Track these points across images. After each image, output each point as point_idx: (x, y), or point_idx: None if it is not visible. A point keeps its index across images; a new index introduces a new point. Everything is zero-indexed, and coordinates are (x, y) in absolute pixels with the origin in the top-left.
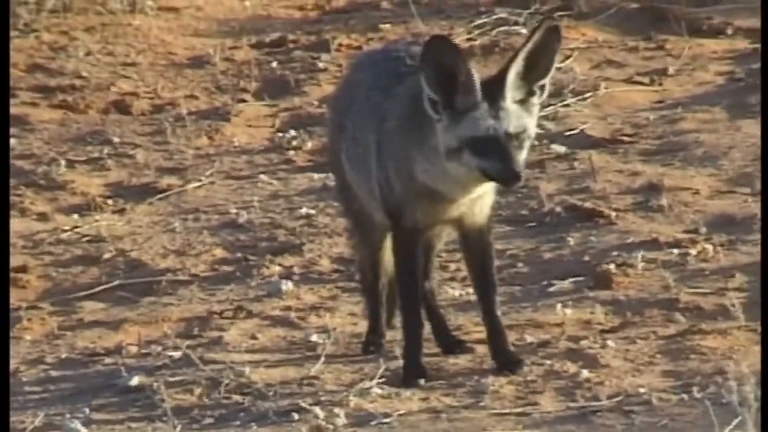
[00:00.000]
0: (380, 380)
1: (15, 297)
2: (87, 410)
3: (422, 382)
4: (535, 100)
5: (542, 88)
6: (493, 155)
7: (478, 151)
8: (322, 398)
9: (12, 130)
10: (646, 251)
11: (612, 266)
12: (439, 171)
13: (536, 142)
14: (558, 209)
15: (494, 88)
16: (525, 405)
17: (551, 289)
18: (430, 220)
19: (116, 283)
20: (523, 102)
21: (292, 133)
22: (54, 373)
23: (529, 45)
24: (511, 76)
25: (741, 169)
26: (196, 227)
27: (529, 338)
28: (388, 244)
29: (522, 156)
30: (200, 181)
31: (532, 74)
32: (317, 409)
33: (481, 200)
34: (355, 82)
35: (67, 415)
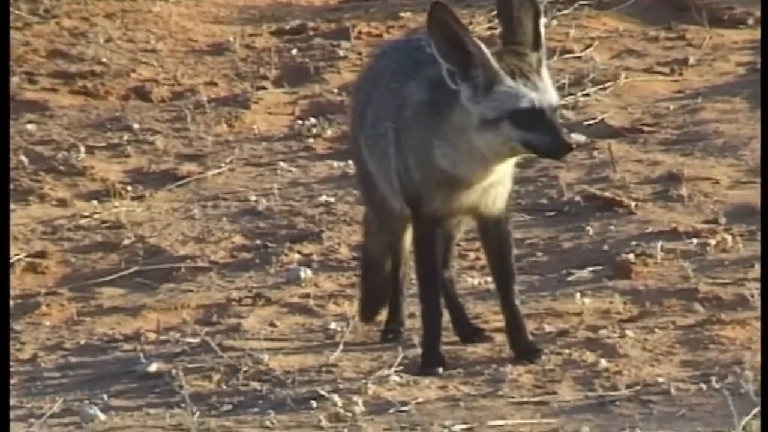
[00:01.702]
0: (398, 368)
1: (34, 283)
2: (105, 396)
3: (440, 370)
4: (545, 71)
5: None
6: (539, 128)
7: (520, 123)
8: (341, 386)
9: (31, 116)
10: (665, 241)
11: (631, 256)
12: (460, 152)
13: None
14: (577, 198)
15: (525, 59)
16: (543, 394)
17: (570, 278)
18: (449, 208)
19: (135, 269)
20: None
21: (312, 120)
22: (73, 359)
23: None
24: (542, 47)
25: (761, 159)
26: (216, 214)
27: (547, 327)
28: (408, 233)
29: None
30: (220, 168)
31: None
32: (335, 397)
33: (496, 188)
34: (376, 71)
35: (86, 401)
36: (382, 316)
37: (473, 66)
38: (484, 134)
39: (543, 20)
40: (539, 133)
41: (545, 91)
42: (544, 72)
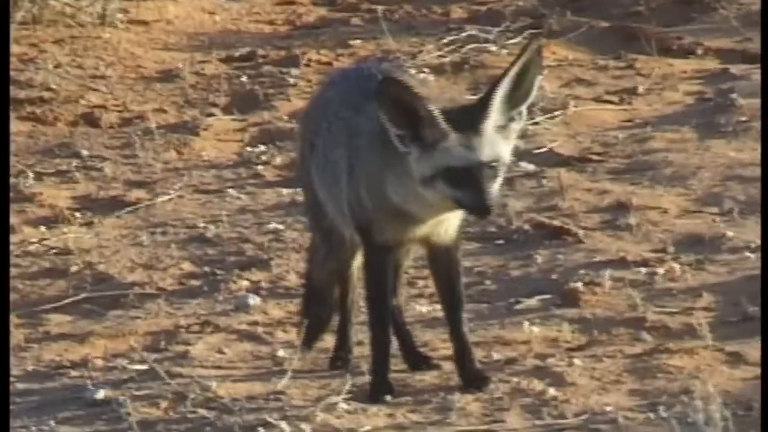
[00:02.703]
0: (347, 396)
1: None
2: (53, 423)
3: (389, 398)
4: (515, 126)
5: (521, 114)
6: (466, 185)
7: (451, 180)
8: (289, 413)
9: None
10: (613, 270)
11: (579, 284)
12: (411, 193)
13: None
14: (526, 227)
15: (471, 116)
16: (491, 422)
17: (518, 306)
18: (400, 237)
19: (83, 296)
20: (502, 128)
21: (261, 147)
22: (20, 386)
23: (516, 67)
24: (497, 101)
25: (709, 188)
26: (164, 241)
27: (495, 355)
28: (356, 260)
29: (496, 185)
30: (168, 194)
31: (512, 99)
32: (283, 424)
33: (449, 220)
34: (326, 99)
35: (33, 428)
36: (328, 342)
37: (422, 128)
38: (424, 189)
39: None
40: (466, 192)
41: (477, 149)
42: (514, 126)
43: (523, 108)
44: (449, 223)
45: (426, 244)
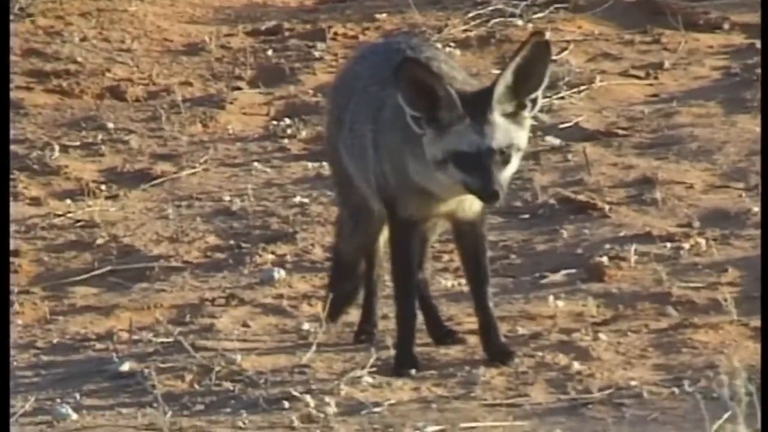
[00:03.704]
0: (371, 369)
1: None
2: (77, 395)
3: (413, 372)
4: (527, 113)
5: (534, 101)
6: (475, 171)
7: (461, 164)
8: (313, 387)
9: None
10: (639, 244)
11: (605, 259)
12: (429, 174)
13: (531, 134)
14: (552, 201)
15: (480, 102)
16: (516, 396)
17: (544, 281)
18: (425, 213)
19: (108, 268)
20: (513, 115)
21: (287, 121)
22: (45, 358)
23: (517, 60)
24: (499, 90)
25: (735, 163)
26: (190, 214)
27: (520, 330)
28: (384, 235)
29: (506, 172)
30: (194, 168)
31: (522, 87)
32: (308, 398)
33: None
34: (355, 73)
35: (58, 400)
36: (353, 316)
37: (439, 109)
38: (437, 172)
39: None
40: (475, 177)
41: (487, 135)
42: (526, 113)
43: (535, 96)
44: (474, 199)
45: (451, 219)
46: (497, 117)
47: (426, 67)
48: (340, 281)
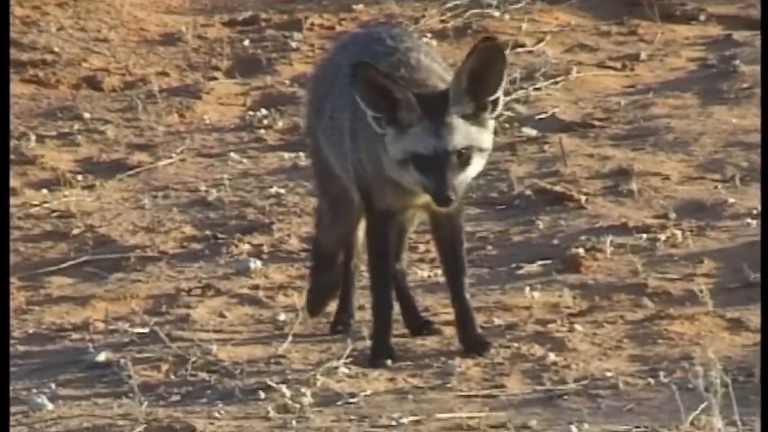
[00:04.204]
0: (347, 360)
1: None
2: (53, 385)
3: (389, 362)
4: (488, 115)
5: (494, 102)
6: (431, 173)
7: (419, 166)
8: (289, 377)
9: None
10: (615, 236)
11: (581, 250)
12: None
13: (507, 125)
14: (528, 192)
15: (437, 104)
16: (492, 387)
17: (520, 271)
18: (401, 204)
19: (84, 258)
20: (473, 116)
21: (263, 111)
22: (21, 348)
23: (468, 65)
24: (452, 94)
25: (711, 155)
26: (166, 204)
27: (496, 321)
28: (362, 225)
29: (465, 174)
30: (170, 158)
31: (480, 90)
32: (284, 388)
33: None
34: (336, 63)
35: (34, 390)
36: (330, 307)
37: (399, 110)
38: (400, 171)
39: (507, 71)
40: (430, 179)
41: (443, 137)
42: (487, 114)
43: (495, 98)
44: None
45: (428, 211)
46: (455, 119)
47: (379, 70)
48: (320, 273)
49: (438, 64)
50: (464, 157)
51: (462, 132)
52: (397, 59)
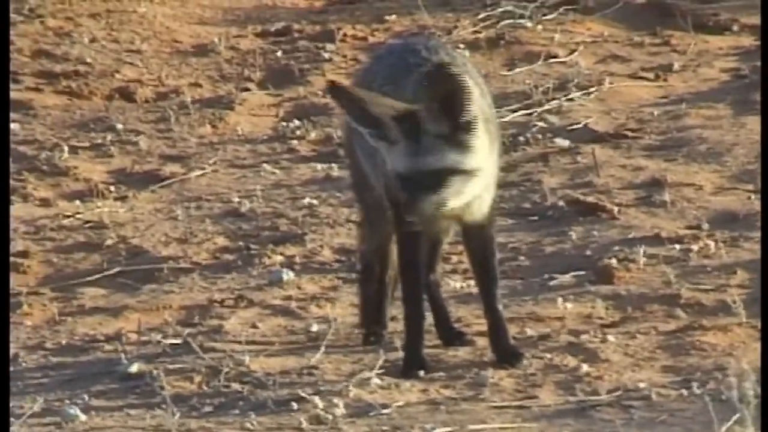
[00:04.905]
0: (380, 371)
1: (16, 282)
2: (86, 396)
3: (422, 373)
4: (465, 135)
5: (467, 123)
6: (405, 191)
7: (399, 183)
8: (322, 388)
9: (15, 116)
10: (648, 246)
11: (614, 261)
12: None
13: (540, 136)
14: (561, 203)
15: (413, 124)
16: (524, 398)
17: (552, 282)
18: (429, 215)
19: (117, 269)
20: (450, 137)
21: (296, 122)
22: (54, 359)
23: (429, 89)
24: (425, 114)
25: (744, 165)
26: (199, 215)
27: (529, 331)
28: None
29: (439, 195)
30: (203, 169)
31: (452, 111)
32: (316, 399)
33: (478, 199)
34: (373, 73)
35: (66, 401)
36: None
37: (384, 127)
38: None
39: (468, 95)
40: (404, 197)
41: (415, 158)
42: (463, 135)
43: (465, 120)
44: (481, 202)
45: (459, 221)
46: (431, 139)
47: (350, 90)
48: (364, 284)
49: (473, 78)
50: (438, 179)
51: (437, 153)
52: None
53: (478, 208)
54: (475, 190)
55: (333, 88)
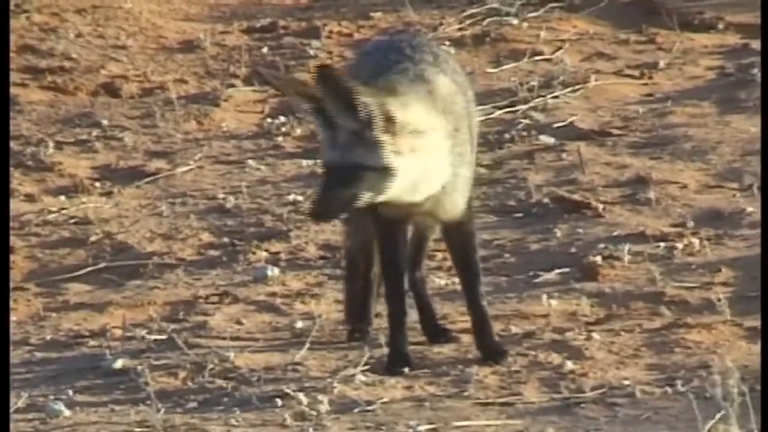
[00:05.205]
0: (364, 368)
1: None
2: (71, 392)
3: (406, 370)
4: (376, 134)
5: (370, 120)
6: (318, 185)
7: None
8: (306, 384)
9: None
10: (632, 244)
11: (598, 258)
12: None
13: (525, 133)
14: (546, 200)
15: (330, 118)
16: (509, 395)
17: (537, 280)
18: (401, 212)
19: (102, 265)
20: (359, 134)
21: (281, 119)
22: (38, 355)
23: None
24: (330, 110)
25: (729, 163)
26: (184, 211)
27: (514, 329)
28: None
29: (345, 191)
30: (188, 165)
31: (353, 108)
32: (301, 396)
33: (448, 196)
34: (358, 69)
35: (51, 397)
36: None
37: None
38: None
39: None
40: (316, 189)
41: (328, 151)
42: (372, 132)
43: (368, 117)
44: (451, 199)
45: (435, 219)
46: (343, 134)
47: (285, 80)
48: (350, 281)
49: (459, 76)
50: (345, 175)
51: (346, 148)
52: (404, 69)
53: (452, 207)
54: (393, 188)
55: (277, 78)
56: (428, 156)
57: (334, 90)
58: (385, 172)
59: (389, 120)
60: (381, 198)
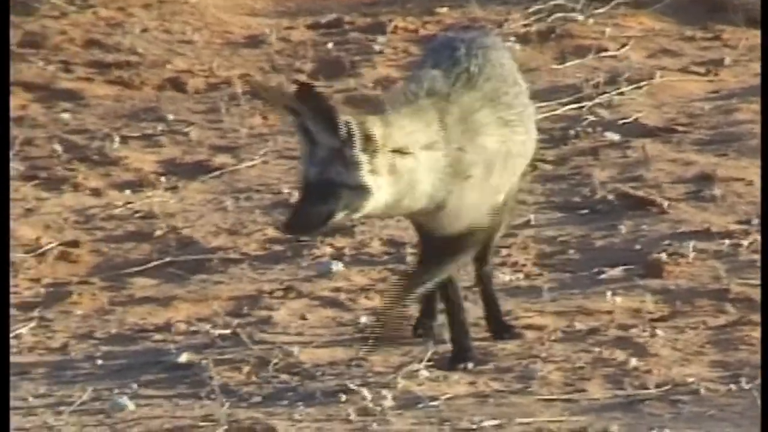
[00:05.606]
0: (428, 363)
1: (66, 271)
2: (135, 386)
3: (470, 366)
4: (353, 151)
5: (349, 138)
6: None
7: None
8: (370, 380)
9: (66, 105)
10: (697, 241)
11: (663, 255)
12: None
13: (590, 130)
14: (610, 197)
15: (311, 133)
16: (573, 392)
17: (602, 276)
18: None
19: (167, 260)
20: (339, 151)
21: None
22: (103, 348)
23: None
24: (312, 126)
25: (761, 158)
26: (248, 206)
27: (578, 325)
28: None
29: (322, 208)
30: (253, 160)
31: (332, 126)
32: (365, 391)
33: (444, 215)
34: (422, 64)
35: (116, 391)
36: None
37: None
38: None
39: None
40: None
41: (307, 167)
42: (349, 150)
43: (347, 135)
44: (453, 218)
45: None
46: (322, 151)
47: (274, 93)
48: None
49: (514, 74)
50: (321, 192)
51: (324, 165)
52: (454, 71)
53: (450, 222)
54: (369, 206)
55: (267, 89)
56: (413, 174)
57: (315, 108)
58: (361, 191)
59: (368, 139)
60: (357, 215)
